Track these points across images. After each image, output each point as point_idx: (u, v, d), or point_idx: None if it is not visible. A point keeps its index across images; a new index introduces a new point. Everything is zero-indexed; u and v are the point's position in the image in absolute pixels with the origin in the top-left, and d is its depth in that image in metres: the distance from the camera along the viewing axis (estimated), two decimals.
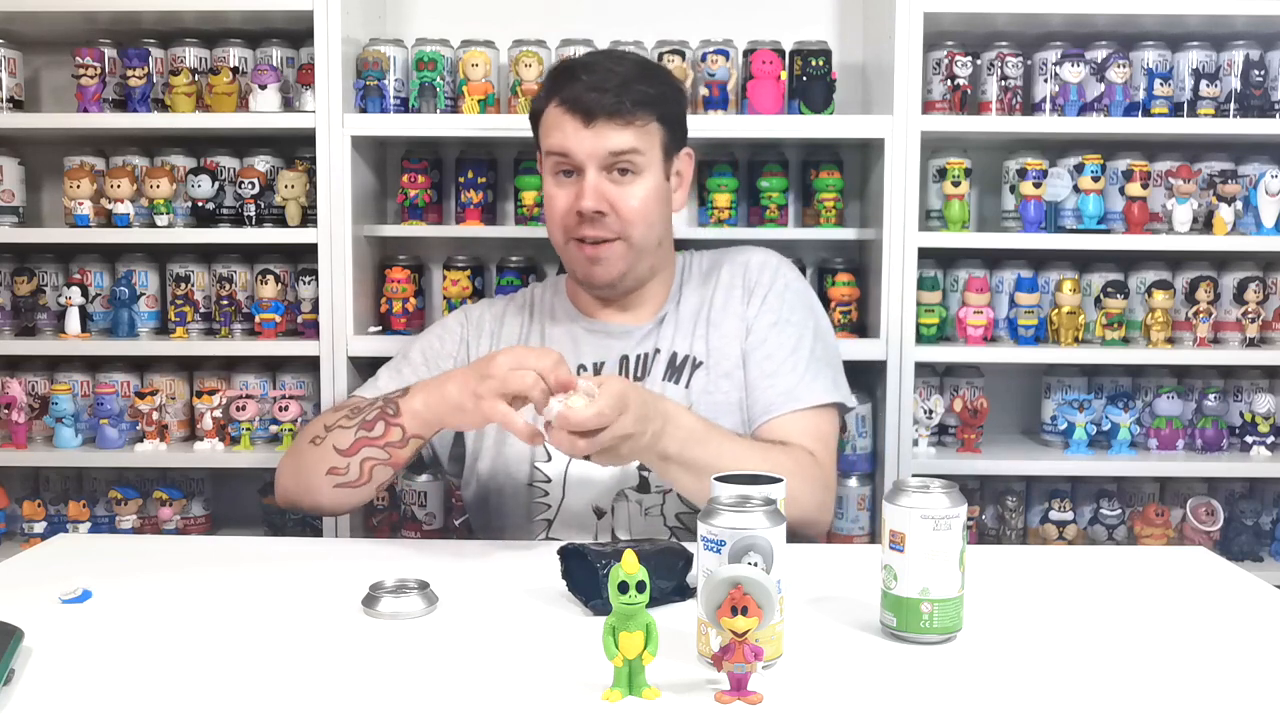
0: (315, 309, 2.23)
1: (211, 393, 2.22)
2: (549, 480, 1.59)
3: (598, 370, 1.63)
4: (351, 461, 1.45)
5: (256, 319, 2.26)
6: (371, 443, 1.44)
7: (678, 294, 1.68)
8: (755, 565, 0.99)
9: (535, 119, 1.62)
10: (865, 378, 2.23)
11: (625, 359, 1.64)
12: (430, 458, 1.69)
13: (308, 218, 2.24)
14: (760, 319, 1.63)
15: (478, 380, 1.35)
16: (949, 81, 2.24)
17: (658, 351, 1.63)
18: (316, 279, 2.20)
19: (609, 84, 1.52)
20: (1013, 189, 2.30)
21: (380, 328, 2.29)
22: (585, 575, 1.17)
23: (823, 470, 1.55)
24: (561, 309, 1.71)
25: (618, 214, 1.55)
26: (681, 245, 1.77)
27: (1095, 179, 2.21)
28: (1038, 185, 2.21)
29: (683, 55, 2.21)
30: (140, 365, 2.33)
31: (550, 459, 1.59)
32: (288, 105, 2.27)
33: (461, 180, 2.32)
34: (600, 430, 1.28)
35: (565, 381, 1.31)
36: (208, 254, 2.36)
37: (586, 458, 1.33)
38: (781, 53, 2.21)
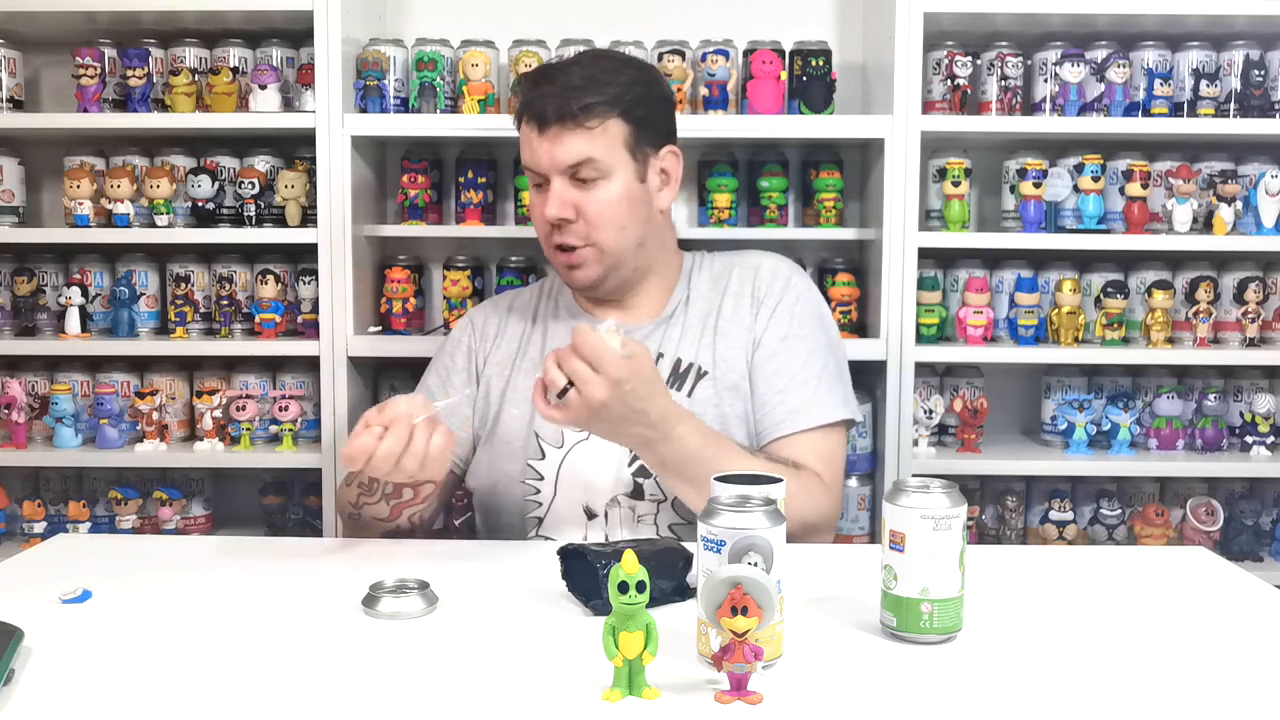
0: (315, 309, 2.23)
1: (211, 393, 2.22)
2: (541, 478, 1.59)
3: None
4: (400, 520, 1.53)
5: (256, 319, 2.26)
6: (409, 505, 1.51)
7: (684, 294, 1.66)
8: (755, 565, 0.99)
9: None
10: (865, 378, 2.23)
11: None
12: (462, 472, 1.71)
13: (308, 218, 2.24)
14: (770, 332, 1.60)
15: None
16: (949, 81, 2.24)
17: (660, 356, 1.61)
18: (316, 279, 2.20)
19: (557, 88, 1.52)
20: (1013, 189, 2.30)
21: (380, 328, 2.29)
22: (585, 575, 1.17)
23: (829, 494, 1.54)
24: (565, 306, 1.70)
25: (584, 220, 1.54)
26: (682, 245, 1.75)
27: (1095, 179, 2.21)
28: (1038, 185, 2.21)
29: (683, 55, 2.21)
30: (140, 365, 2.33)
31: (544, 457, 1.58)
32: (288, 105, 2.27)
33: (461, 180, 2.32)
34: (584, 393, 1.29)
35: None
36: (208, 254, 2.36)
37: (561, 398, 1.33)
38: (781, 53, 2.21)
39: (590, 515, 1.56)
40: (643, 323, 1.64)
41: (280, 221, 2.26)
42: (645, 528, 1.55)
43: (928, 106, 2.24)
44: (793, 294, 1.64)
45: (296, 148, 2.31)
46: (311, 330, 2.23)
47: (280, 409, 2.24)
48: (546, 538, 1.57)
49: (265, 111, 2.21)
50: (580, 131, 1.51)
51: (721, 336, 1.61)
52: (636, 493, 1.55)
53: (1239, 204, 2.23)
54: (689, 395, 1.58)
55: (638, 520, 1.55)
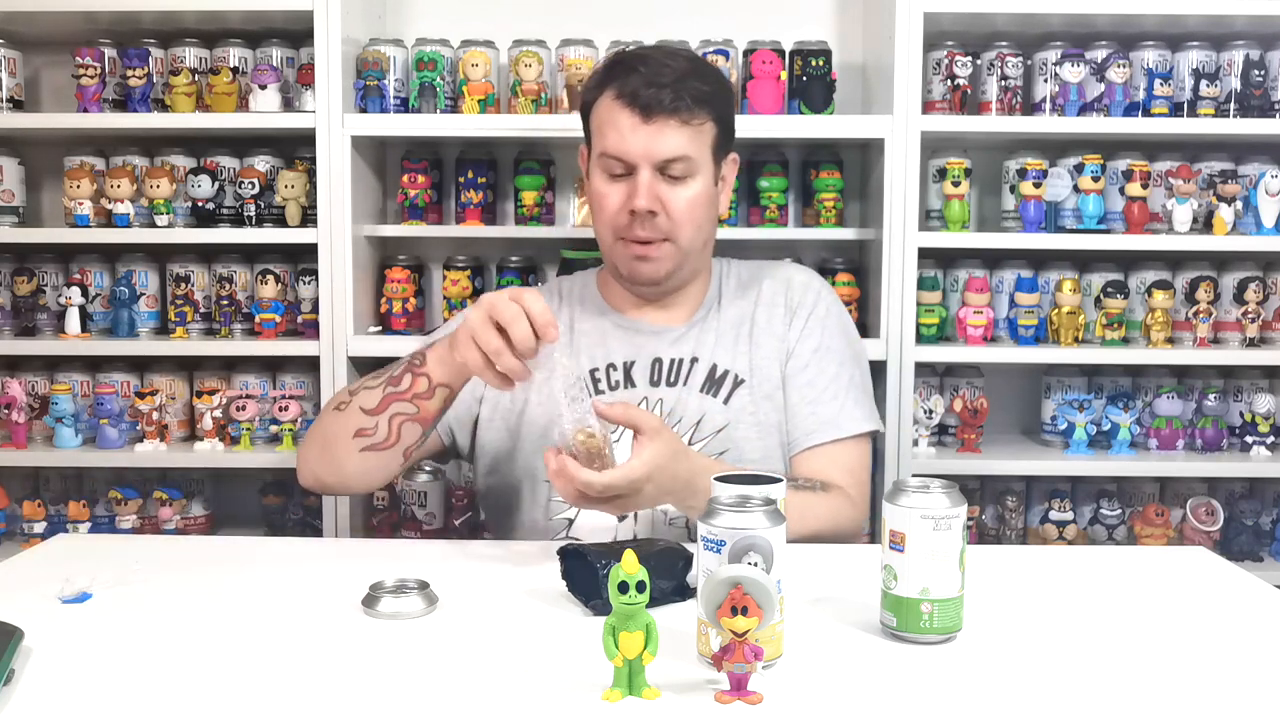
0: (315, 309, 2.23)
1: (211, 393, 2.22)
2: None
3: (628, 370, 1.61)
4: (380, 420, 1.42)
5: (256, 319, 2.26)
6: (399, 397, 1.41)
7: (716, 300, 1.66)
8: (755, 565, 0.99)
9: (586, 111, 1.59)
10: None
11: (658, 362, 1.61)
12: (450, 444, 1.65)
13: (308, 218, 2.24)
14: (803, 343, 1.62)
15: (473, 310, 1.33)
16: (949, 81, 2.24)
17: (695, 360, 1.61)
18: (316, 279, 2.20)
19: (666, 79, 1.49)
20: (1013, 189, 2.30)
21: (380, 328, 2.29)
22: (585, 575, 1.17)
23: (855, 508, 1.55)
24: (591, 303, 1.68)
25: (668, 215, 1.53)
26: None
27: (1095, 179, 2.22)
28: (1038, 185, 2.21)
29: None
30: (140, 365, 2.33)
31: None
32: (288, 105, 2.27)
33: (461, 180, 2.32)
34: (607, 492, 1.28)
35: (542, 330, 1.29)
36: (208, 254, 2.36)
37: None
38: (781, 53, 2.21)
39: (621, 516, 1.55)
40: (676, 324, 1.64)
41: (280, 221, 2.26)
42: (677, 529, 1.54)
43: (928, 106, 2.24)
44: (823, 306, 1.66)
45: (296, 148, 2.31)
46: (311, 330, 2.23)
47: (280, 409, 2.24)
48: (575, 539, 1.53)
49: (265, 111, 2.21)
50: (685, 128, 1.51)
51: (757, 346, 1.62)
52: None
53: (1239, 204, 2.23)
54: (725, 402, 1.59)
55: (669, 523, 1.55)
